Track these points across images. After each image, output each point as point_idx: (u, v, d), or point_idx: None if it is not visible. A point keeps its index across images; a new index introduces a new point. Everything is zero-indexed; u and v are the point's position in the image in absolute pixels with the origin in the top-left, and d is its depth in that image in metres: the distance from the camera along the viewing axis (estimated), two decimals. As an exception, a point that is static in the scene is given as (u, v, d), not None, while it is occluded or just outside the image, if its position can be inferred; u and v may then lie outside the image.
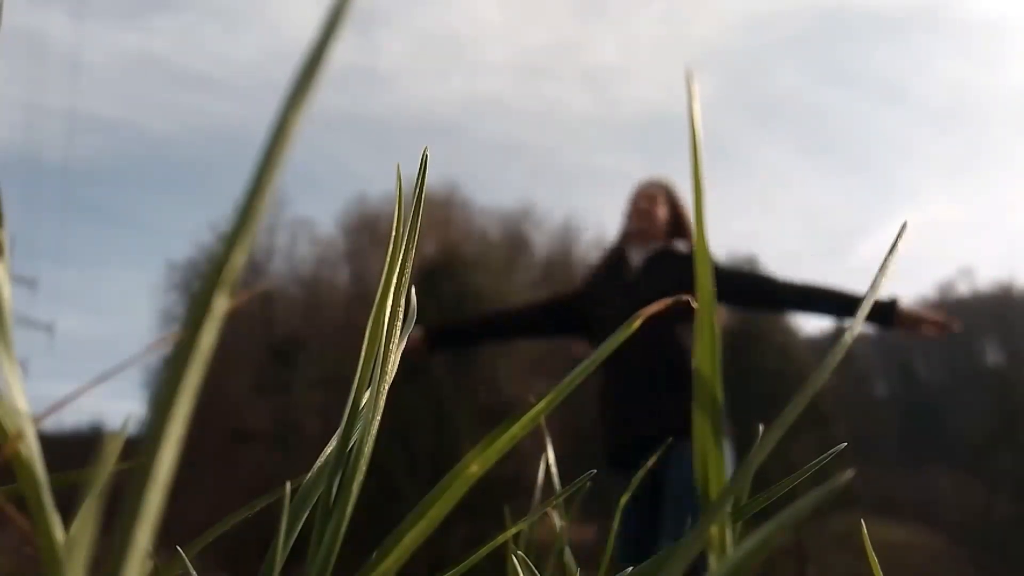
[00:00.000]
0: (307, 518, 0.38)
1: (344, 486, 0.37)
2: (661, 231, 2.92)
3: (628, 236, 2.95)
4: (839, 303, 2.62)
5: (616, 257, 2.95)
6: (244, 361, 20.36)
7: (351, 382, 0.40)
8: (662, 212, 2.93)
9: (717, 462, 0.29)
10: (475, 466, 0.34)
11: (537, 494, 0.69)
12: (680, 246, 2.90)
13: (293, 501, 0.38)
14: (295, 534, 0.38)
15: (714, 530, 0.29)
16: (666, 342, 2.67)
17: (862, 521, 0.45)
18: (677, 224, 2.95)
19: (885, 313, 2.55)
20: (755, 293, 2.79)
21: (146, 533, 0.19)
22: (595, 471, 0.48)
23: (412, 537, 0.34)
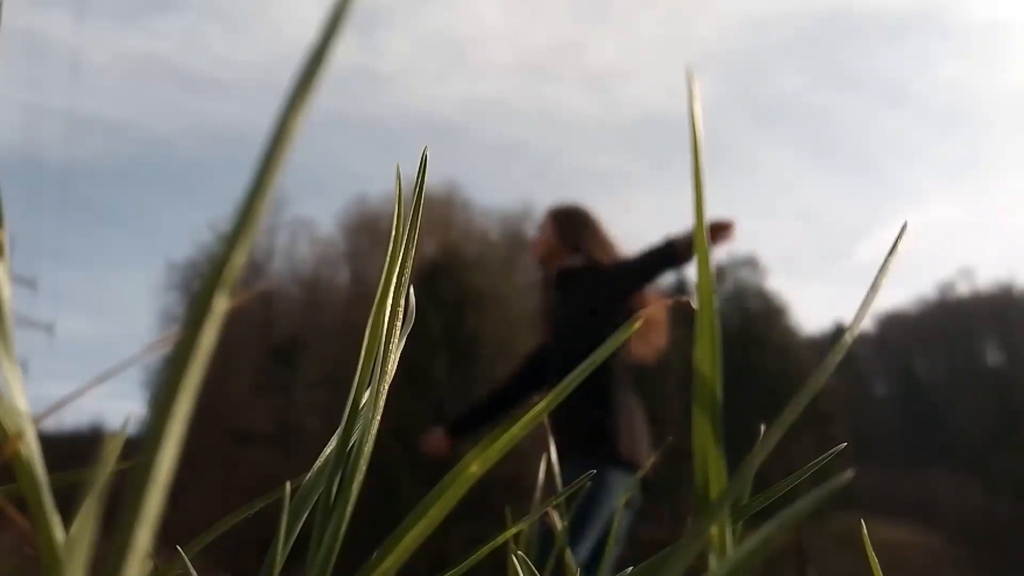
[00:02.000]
0: (307, 518, 0.38)
1: (344, 486, 0.37)
2: (553, 254, 3.02)
3: (542, 274, 3.11)
4: (657, 258, 2.78)
5: (544, 294, 3.13)
6: (244, 361, 20.36)
7: (351, 382, 0.40)
8: (545, 237, 3.04)
9: (717, 462, 0.29)
10: (475, 466, 0.34)
11: (537, 494, 0.69)
12: (574, 261, 2.96)
13: (293, 501, 0.38)
14: (295, 534, 0.38)
15: (714, 530, 0.29)
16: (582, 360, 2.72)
17: (862, 521, 0.45)
18: (571, 240, 3.00)
19: (669, 255, 2.72)
20: (632, 274, 2.88)
21: (146, 533, 0.19)
22: (595, 471, 0.48)
23: (412, 537, 0.34)
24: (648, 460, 2.67)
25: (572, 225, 3.02)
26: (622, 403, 2.73)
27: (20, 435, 0.27)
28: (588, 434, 2.65)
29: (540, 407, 0.35)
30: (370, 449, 0.38)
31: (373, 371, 0.40)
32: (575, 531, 2.43)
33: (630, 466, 2.62)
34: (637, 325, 0.37)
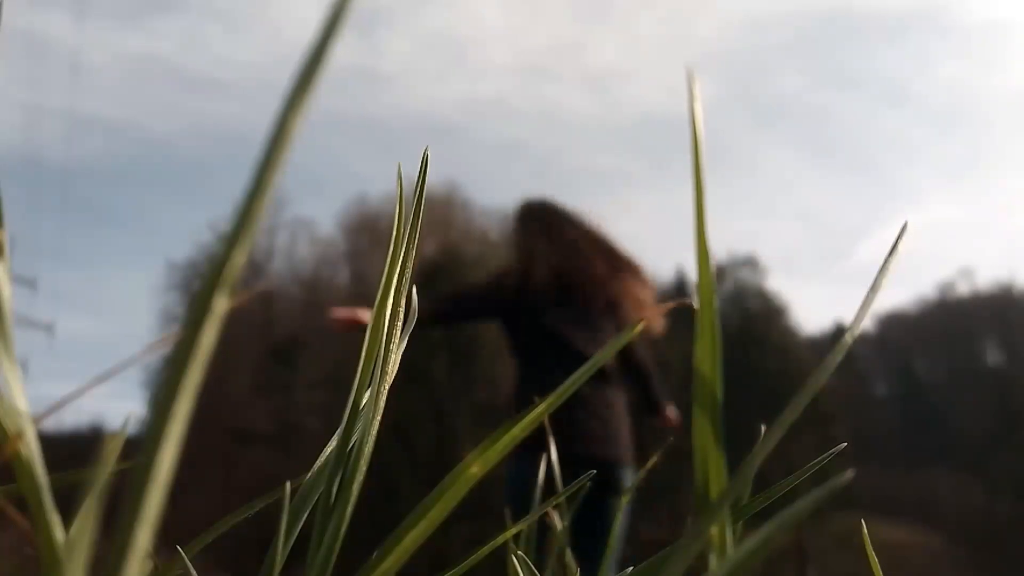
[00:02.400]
0: (307, 518, 0.38)
1: (344, 486, 0.37)
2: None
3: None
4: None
5: None
6: (244, 361, 20.35)
7: (351, 382, 0.40)
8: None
9: (717, 462, 0.29)
10: (476, 467, 0.34)
11: (537, 494, 0.69)
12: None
13: (293, 501, 0.38)
14: (295, 534, 0.38)
15: (714, 530, 0.29)
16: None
17: (862, 521, 0.45)
18: (529, 241, 3.01)
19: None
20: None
21: (146, 533, 0.19)
22: (595, 471, 0.48)
23: (412, 537, 0.34)
24: (622, 455, 2.66)
25: (527, 228, 3.00)
26: (593, 399, 2.70)
27: (20, 435, 0.27)
28: (554, 432, 2.64)
29: (541, 409, 0.35)
30: (370, 449, 0.38)
31: (373, 371, 0.40)
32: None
33: (594, 462, 2.60)
34: (637, 329, 0.37)
